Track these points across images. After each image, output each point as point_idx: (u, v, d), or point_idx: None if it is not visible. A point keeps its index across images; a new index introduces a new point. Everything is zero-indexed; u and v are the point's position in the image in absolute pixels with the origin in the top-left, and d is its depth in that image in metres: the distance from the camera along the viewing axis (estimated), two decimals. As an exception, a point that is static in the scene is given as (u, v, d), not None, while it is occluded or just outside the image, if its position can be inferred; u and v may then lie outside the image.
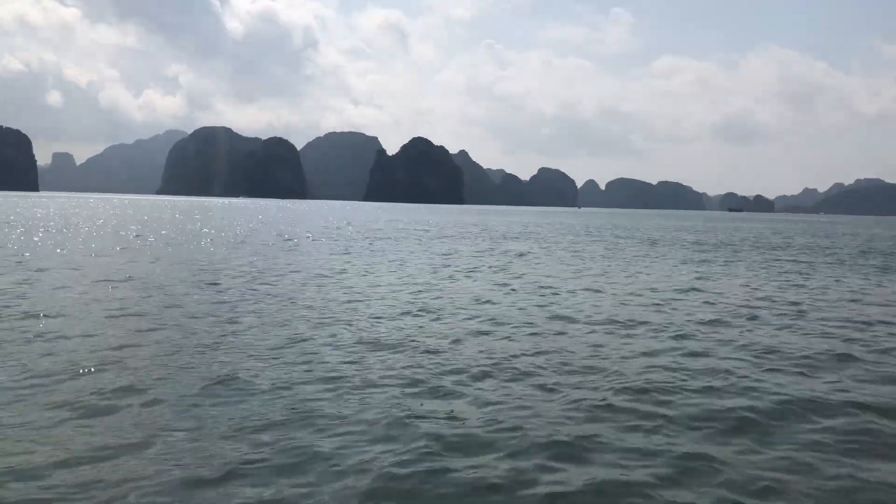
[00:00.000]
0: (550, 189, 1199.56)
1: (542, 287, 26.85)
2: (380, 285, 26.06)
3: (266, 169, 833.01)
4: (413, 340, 15.73)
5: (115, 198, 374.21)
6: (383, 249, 45.76)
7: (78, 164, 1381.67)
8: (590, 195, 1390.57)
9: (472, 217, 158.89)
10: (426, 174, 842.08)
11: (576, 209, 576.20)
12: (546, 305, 21.91)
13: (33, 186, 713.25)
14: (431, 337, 16.26)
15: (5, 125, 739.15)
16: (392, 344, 15.29)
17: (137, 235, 54.00)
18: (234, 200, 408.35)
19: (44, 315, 17.56)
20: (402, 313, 19.66)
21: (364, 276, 29.39)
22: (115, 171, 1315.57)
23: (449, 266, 34.99)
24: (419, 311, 20.16)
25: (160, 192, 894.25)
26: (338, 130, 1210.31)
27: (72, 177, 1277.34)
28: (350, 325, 17.58)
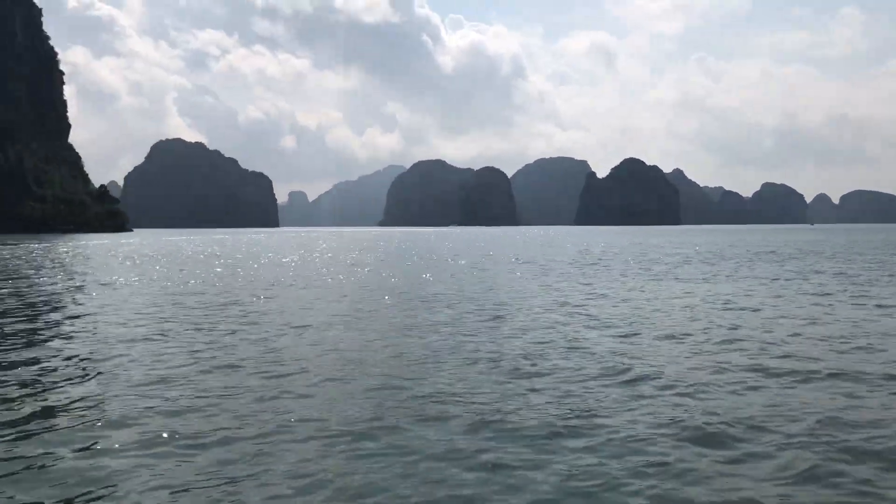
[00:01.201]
0: (776, 205, 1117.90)
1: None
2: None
3: (479, 197, 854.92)
4: None
5: (345, 230, 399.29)
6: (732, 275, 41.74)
7: (310, 200, 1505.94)
8: (821, 210, 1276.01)
9: (725, 237, 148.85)
10: (639, 195, 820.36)
11: (808, 226, 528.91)
12: None
13: (274, 223, 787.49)
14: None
15: (250, 169, 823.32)
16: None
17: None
18: (446, 229, 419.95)
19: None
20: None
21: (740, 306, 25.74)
22: (342, 205, 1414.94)
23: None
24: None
25: (382, 223, 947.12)
26: (546, 156, 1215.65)
27: (304, 213, 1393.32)
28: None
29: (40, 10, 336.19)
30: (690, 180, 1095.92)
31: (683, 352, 15.51)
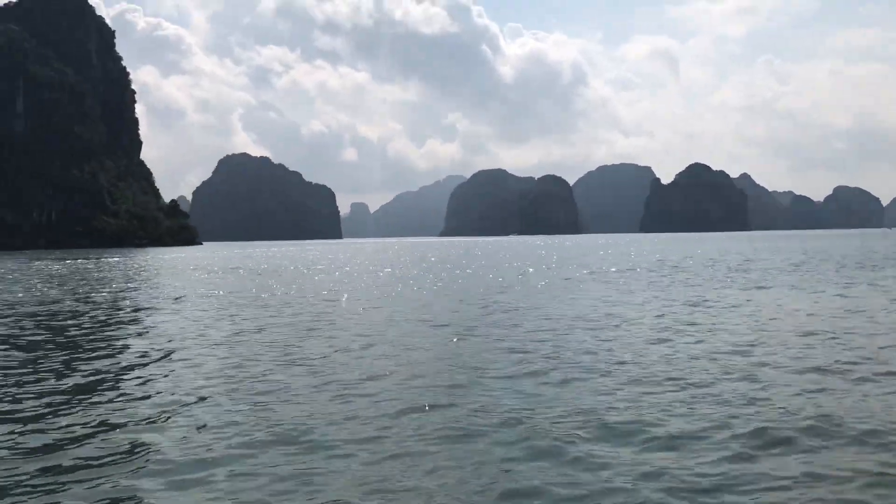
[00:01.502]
0: (849, 209, 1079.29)
1: None
2: None
3: (540, 206, 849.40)
4: None
5: (408, 241, 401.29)
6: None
7: (371, 211, 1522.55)
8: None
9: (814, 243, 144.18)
10: (705, 201, 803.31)
11: (887, 230, 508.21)
12: None
13: (337, 234, 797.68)
14: None
15: (314, 181, 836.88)
16: None
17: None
18: (506, 239, 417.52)
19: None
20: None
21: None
22: (403, 216, 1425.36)
23: None
24: None
25: (443, 234, 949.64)
26: (609, 163, 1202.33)
27: (366, 224, 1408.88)
28: None
29: (113, 32, 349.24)
30: (759, 185, 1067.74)
31: (826, 362, 14.61)
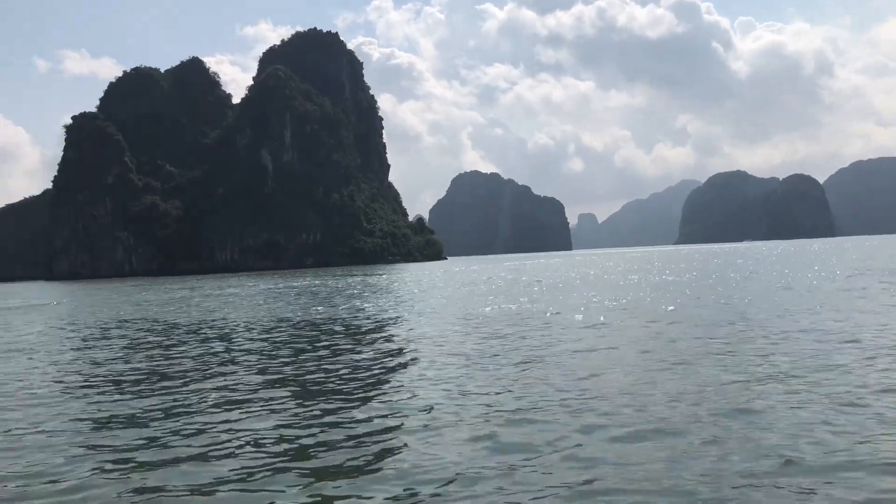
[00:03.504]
0: None
1: None
2: None
3: (786, 208, 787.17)
4: None
5: (644, 250, 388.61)
6: None
7: (600, 221, 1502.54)
8: None
9: None
10: None
11: None
12: None
13: (567, 246, 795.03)
14: None
15: (542, 194, 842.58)
16: None
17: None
18: (742, 245, 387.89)
19: None
20: None
21: None
22: (633, 225, 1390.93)
23: None
24: None
25: (678, 241, 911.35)
26: (865, 158, 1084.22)
27: (595, 234, 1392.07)
28: None
29: (361, 63, 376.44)
30: None
31: None
